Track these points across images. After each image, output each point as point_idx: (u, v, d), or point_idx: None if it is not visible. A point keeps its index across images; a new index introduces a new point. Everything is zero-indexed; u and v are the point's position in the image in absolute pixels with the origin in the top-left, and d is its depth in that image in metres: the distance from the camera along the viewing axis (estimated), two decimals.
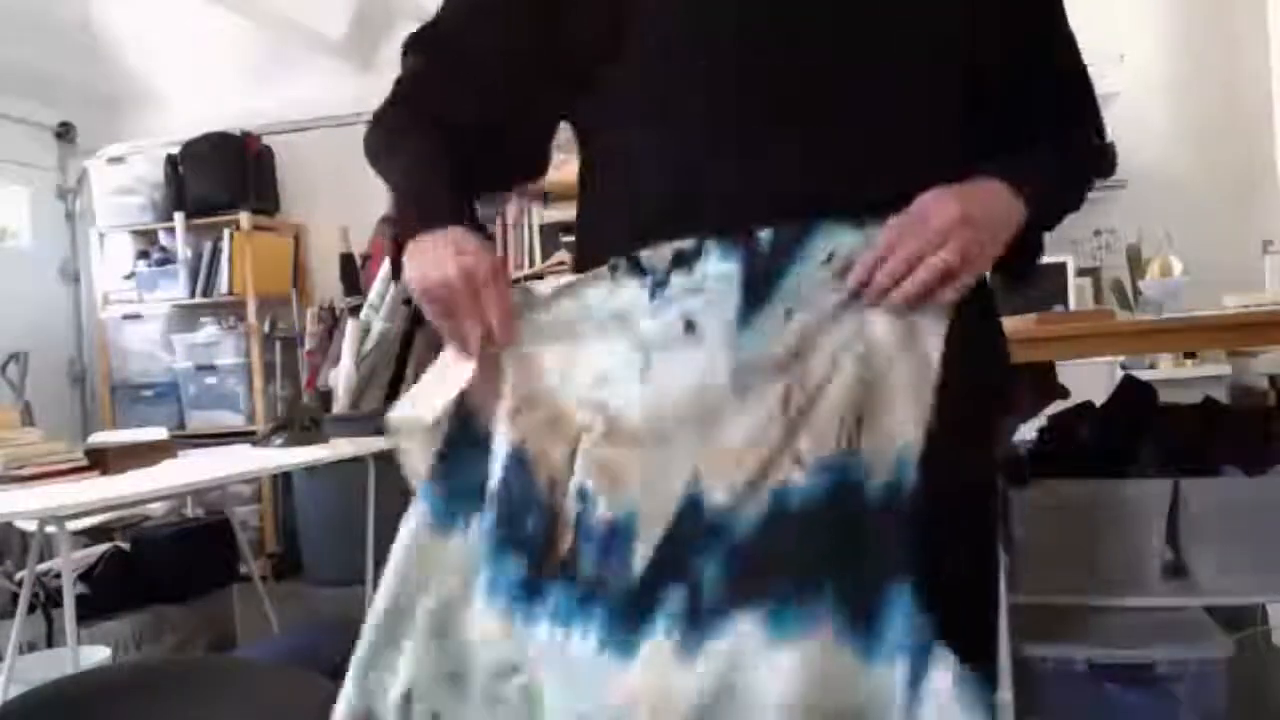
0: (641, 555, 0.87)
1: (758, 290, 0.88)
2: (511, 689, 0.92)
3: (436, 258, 0.94)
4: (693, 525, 0.86)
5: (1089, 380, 2.46)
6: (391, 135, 1.08)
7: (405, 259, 0.97)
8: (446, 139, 1.03)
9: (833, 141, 0.93)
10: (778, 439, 0.86)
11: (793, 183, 0.92)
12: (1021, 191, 0.95)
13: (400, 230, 1.00)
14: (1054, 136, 1.05)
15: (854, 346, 0.87)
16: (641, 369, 0.90)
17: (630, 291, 0.92)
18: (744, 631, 0.83)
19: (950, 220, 0.88)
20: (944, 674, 0.80)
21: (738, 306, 0.88)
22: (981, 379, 0.97)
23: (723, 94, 0.94)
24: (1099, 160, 1.13)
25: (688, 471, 0.87)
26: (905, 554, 0.83)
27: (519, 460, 0.93)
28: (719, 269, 0.89)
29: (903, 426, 0.85)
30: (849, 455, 0.85)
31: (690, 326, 0.89)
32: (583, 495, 0.91)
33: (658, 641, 0.85)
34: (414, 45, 1.10)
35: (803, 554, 0.84)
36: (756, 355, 0.87)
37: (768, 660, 0.82)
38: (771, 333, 0.88)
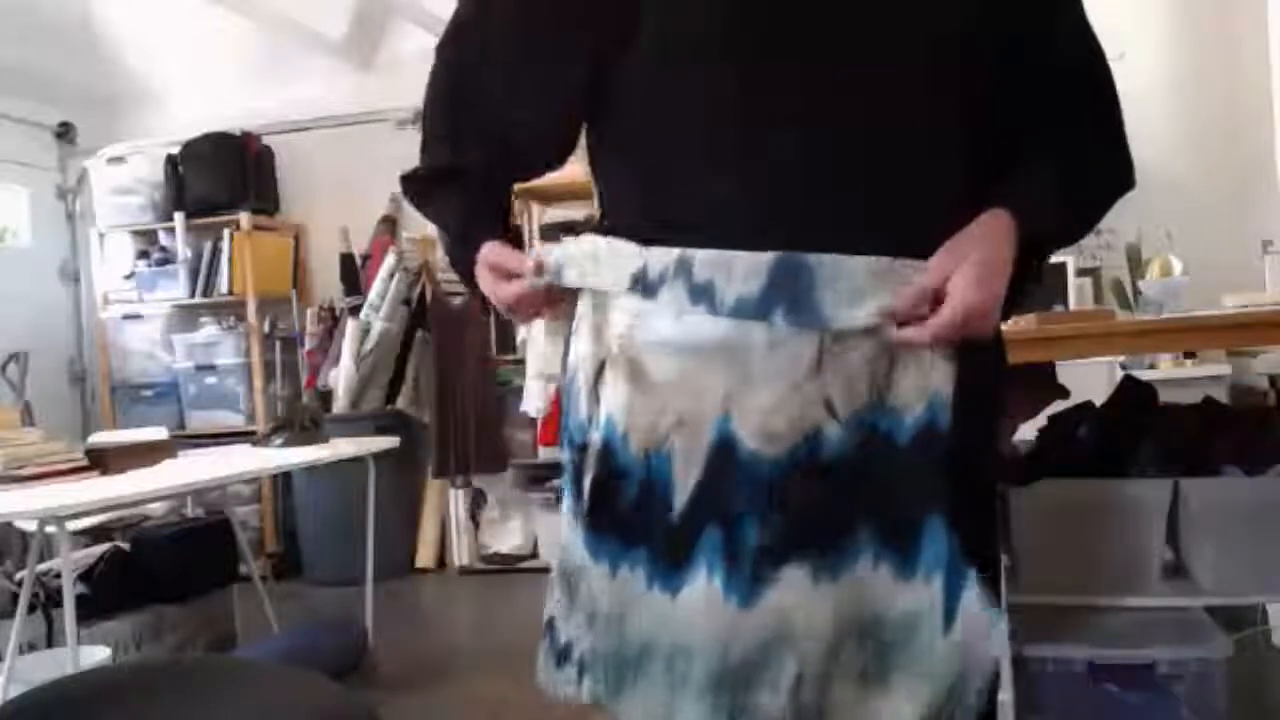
0: (682, 494, 0.93)
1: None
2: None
3: (491, 286, 1.07)
4: (727, 467, 0.92)
5: (1089, 380, 2.46)
6: (428, 184, 1.16)
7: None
8: (478, 157, 1.09)
9: (832, 145, 0.93)
10: (811, 388, 0.91)
11: (793, 190, 0.93)
12: (1025, 228, 0.97)
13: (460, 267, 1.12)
14: (1070, 146, 1.05)
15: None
16: (675, 315, 0.94)
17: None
18: (793, 580, 0.91)
19: (970, 310, 0.92)
20: (972, 587, 0.92)
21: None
22: (982, 379, 1.00)
23: (724, 96, 0.95)
24: (1121, 175, 1.10)
25: (719, 410, 0.92)
26: (939, 487, 0.92)
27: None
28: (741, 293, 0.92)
29: (932, 379, 0.93)
30: (879, 406, 0.92)
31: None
32: (610, 427, 0.97)
33: (702, 585, 0.92)
34: (441, 45, 1.12)
35: (839, 502, 0.92)
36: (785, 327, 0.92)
37: (813, 602, 0.91)
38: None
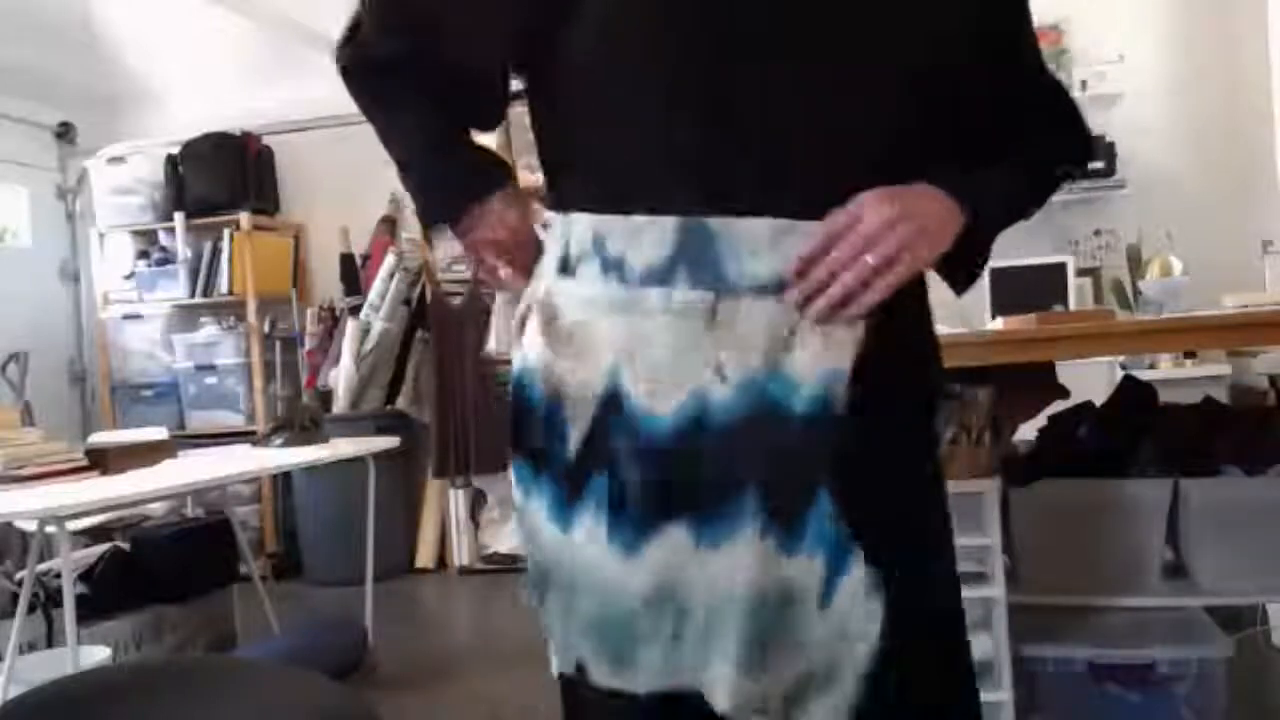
0: (573, 439, 0.96)
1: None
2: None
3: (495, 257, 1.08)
4: (614, 417, 0.94)
5: (1089, 380, 2.46)
6: (389, 111, 1.07)
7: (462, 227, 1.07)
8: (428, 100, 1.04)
9: (787, 144, 0.93)
10: (701, 349, 0.91)
11: (746, 180, 0.93)
12: (961, 198, 0.96)
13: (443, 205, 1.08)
14: (1020, 140, 1.06)
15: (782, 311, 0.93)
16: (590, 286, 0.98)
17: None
18: (674, 538, 0.93)
19: (882, 221, 0.90)
20: (856, 568, 0.92)
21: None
22: (914, 377, 1.02)
23: (680, 99, 0.94)
24: (1073, 161, 1.13)
25: (611, 362, 0.94)
26: (827, 462, 0.91)
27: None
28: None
29: (830, 354, 0.91)
30: (772, 373, 0.91)
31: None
32: (523, 364, 1.01)
33: (589, 527, 0.95)
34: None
35: (722, 466, 0.92)
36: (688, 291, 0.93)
37: (700, 564, 0.92)
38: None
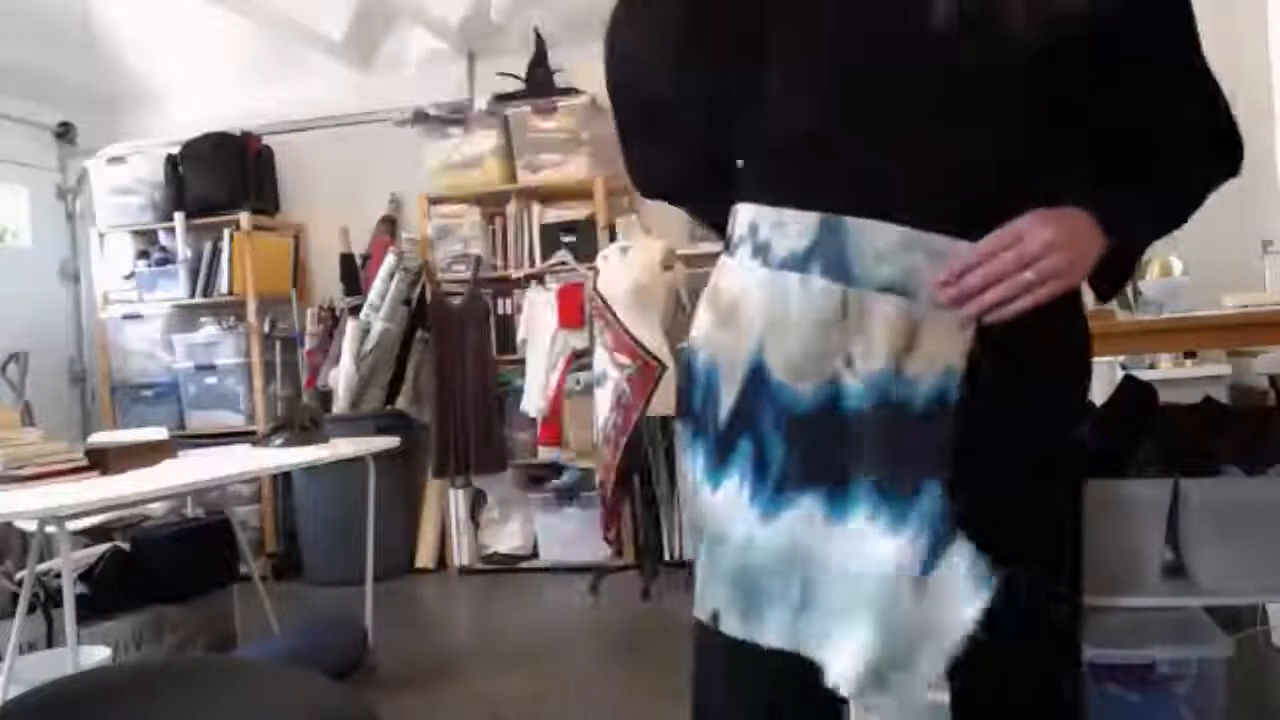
0: (725, 405, 1.07)
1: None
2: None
3: None
4: (760, 387, 1.04)
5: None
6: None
7: None
8: None
9: (907, 143, 1.01)
10: (834, 338, 1.01)
11: (885, 179, 1.02)
12: (1107, 224, 1.01)
13: None
14: (1169, 153, 1.10)
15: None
16: (743, 268, 1.09)
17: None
18: (806, 509, 1.02)
19: (1042, 244, 0.97)
20: (963, 552, 0.96)
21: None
22: (1063, 367, 1.08)
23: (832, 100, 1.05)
24: (1218, 166, 1.18)
25: (757, 340, 1.05)
26: (940, 456, 0.97)
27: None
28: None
29: (946, 353, 0.99)
30: (896, 375, 0.99)
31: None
32: (691, 343, 1.15)
33: (734, 487, 1.06)
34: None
35: (846, 452, 1.00)
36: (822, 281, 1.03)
37: (828, 538, 1.01)
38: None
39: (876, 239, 1.00)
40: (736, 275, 1.09)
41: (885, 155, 1.01)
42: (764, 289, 1.05)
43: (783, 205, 1.05)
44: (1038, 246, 0.96)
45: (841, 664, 1.00)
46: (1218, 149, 1.16)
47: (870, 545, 0.99)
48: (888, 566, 0.98)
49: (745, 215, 1.10)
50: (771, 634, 1.04)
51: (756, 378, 1.05)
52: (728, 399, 1.07)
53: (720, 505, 1.07)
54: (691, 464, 1.12)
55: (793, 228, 1.04)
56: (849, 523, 1.00)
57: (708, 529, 1.09)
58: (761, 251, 1.06)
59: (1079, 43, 1.00)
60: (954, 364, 0.99)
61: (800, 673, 1.03)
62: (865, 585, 0.99)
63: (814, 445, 1.02)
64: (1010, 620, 0.96)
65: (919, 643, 0.98)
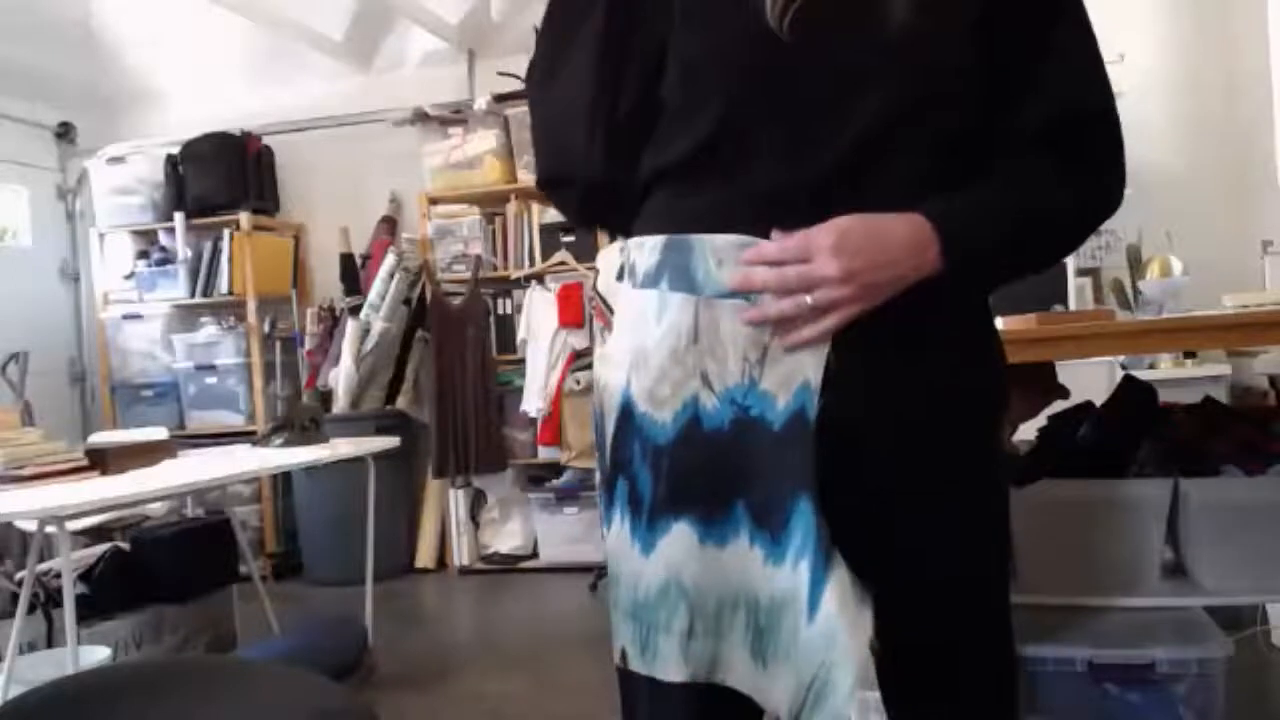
0: (607, 444, 1.07)
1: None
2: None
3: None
4: (629, 422, 1.04)
5: (1089, 380, 2.46)
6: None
7: None
8: None
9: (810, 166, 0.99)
10: (689, 359, 0.99)
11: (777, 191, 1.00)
12: (944, 235, 0.95)
13: None
14: (1035, 176, 1.04)
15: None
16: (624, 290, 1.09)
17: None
18: (681, 536, 1.00)
19: (824, 276, 0.93)
20: (841, 574, 0.93)
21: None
22: (975, 382, 1.05)
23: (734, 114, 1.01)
24: (1086, 211, 1.13)
25: (625, 373, 1.04)
26: (806, 471, 0.94)
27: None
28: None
29: (802, 364, 0.96)
30: (751, 389, 0.97)
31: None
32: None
33: (619, 524, 1.05)
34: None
35: (716, 472, 0.99)
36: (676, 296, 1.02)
37: (707, 561, 0.99)
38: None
39: (716, 241, 0.99)
40: (620, 301, 1.09)
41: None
42: (631, 309, 1.05)
43: (645, 233, 1.06)
44: (822, 274, 0.93)
45: (766, 696, 0.99)
46: (1074, 180, 1.09)
47: (754, 569, 0.97)
48: (773, 592, 0.96)
49: (629, 246, 1.09)
50: (670, 667, 1.03)
51: (625, 412, 1.04)
52: (608, 439, 1.06)
53: (612, 543, 1.07)
54: (599, 503, 1.12)
55: (648, 244, 1.04)
56: (727, 546, 0.99)
57: (609, 568, 1.09)
58: (631, 274, 1.06)
59: (953, 50, 0.98)
60: (809, 377, 0.96)
61: (717, 700, 1.02)
62: (754, 611, 0.98)
63: (681, 472, 1.00)
64: (912, 634, 0.96)
65: (823, 675, 0.93)
